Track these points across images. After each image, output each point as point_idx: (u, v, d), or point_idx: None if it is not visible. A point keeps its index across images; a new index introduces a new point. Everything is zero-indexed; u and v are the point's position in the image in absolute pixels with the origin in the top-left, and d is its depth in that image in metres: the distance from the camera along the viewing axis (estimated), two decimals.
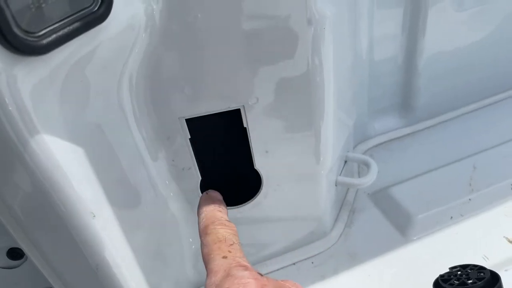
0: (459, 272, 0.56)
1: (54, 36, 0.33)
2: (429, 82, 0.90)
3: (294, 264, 0.72)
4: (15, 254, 0.56)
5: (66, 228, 0.42)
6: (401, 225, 0.74)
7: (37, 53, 0.33)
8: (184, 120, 0.54)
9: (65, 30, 0.34)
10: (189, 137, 0.56)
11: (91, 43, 0.39)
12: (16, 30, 0.31)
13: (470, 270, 0.55)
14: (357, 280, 0.68)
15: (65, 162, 0.40)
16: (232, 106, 0.54)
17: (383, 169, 0.83)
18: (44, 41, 0.33)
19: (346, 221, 0.77)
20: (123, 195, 0.50)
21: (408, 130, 0.93)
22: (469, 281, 0.53)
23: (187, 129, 0.55)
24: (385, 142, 0.92)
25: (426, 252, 0.70)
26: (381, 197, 0.80)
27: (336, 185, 0.72)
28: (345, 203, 0.79)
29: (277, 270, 0.71)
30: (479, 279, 0.52)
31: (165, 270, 0.61)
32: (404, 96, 0.93)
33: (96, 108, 0.44)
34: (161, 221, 0.60)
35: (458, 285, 0.53)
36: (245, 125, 0.56)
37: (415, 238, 0.72)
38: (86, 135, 0.43)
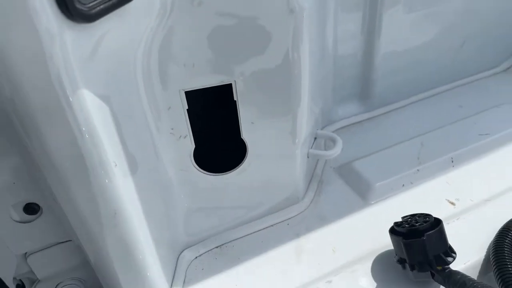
0: (409, 219, 0.68)
1: (99, 8, 0.42)
2: (384, 75, 1.04)
3: (272, 226, 0.82)
4: (31, 209, 0.62)
5: (95, 172, 0.50)
6: (362, 192, 0.86)
7: (87, 20, 0.41)
8: (184, 92, 0.63)
9: (107, 4, 0.43)
10: (187, 107, 0.65)
11: (120, 19, 0.48)
12: (75, 2, 0.39)
13: (418, 217, 0.68)
14: (325, 236, 0.79)
15: (95, 116, 0.48)
16: (225, 81, 0.64)
17: (346, 148, 0.95)
18: (93, 11, 0.41)
19: (316, 190, 0.88)
20: (134, 153, 0.58)
21: (367, 115, 1.07)
22: (417, 224, 0.65)
23: (185, 100, 0.64)
24: (347, 125, 1.05)
25: (382, 213, 0.82)
26: (345, 170, 0.92)
27: (308, 157, 0.83)
28: (315, 175, 0.91)
29: (258, 231, 0.81)
30: (425, 222, 0.65)
31: (163, 226, 0.69)
32: (363, 87, 1.07)
33: (118, 75, 0.52)
34: (160, 183, 0.68)
35: (408, 227, 0.65)
36: (235, 98, 0.66)
37: (373, 202, 0.85)
38: (110, 97, 0.51)
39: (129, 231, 0.58)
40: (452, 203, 0.83)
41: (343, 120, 1.06)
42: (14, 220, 0.60)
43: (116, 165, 0.52)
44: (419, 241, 0.62)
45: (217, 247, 0.79)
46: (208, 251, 0.79)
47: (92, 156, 0.49)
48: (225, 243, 0.80)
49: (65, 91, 0.44)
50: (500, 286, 0.61)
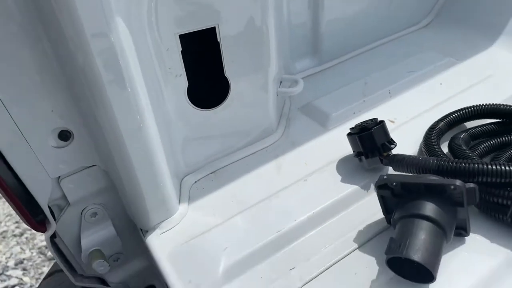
0: (360, 123, 0.89)
1: None
2: (329, 36, 1.26)
3: (254, 153, 1.00)
4: (64, 135, 0.75)
5: (125, 89, 0.65)
6: (322, 122, 1.07)
7: None
8: (178, 36, 0.79)
9: None
10: (181, 49, 0.81)
11: None
12: None
13: (366, 121, 0.89)
14: (298, 155, 0.98)
15: (124, 41, 0.64)
16: (210, 25, 0.81)
17: (305, 93, 1.15)
18: None
19: (286, 125, 1.07)
20: (146, 86, 0.73)
21: (319, 68, 1.28)
22: (366, 124, 0.86)
23: (179, 42, 0.80)
24: (304, 77, 1.25)
25: (340, 134, 1.02)
26: (307, 108, 1.12)
27: (277, 95, 1.02)
28: (283, 114, 1.10)
29: (243, 158, 0.99)
30: (372, 122, 0.86)
31: (169, 156, 0.84)
32: (314, 46, 1.28)
33: (132, 16, 0.68)
34: (163, 118, 0.83)
35: (360, 127, 0.86)
36: (218, 40, 0.83)
37: (331, 128, 1.05)
38: (130, 32, 0.66)
39: (150, 150, 0.74)
40: (392, 121, 1.05)
41: (300, 73, 1.26)
42: (51, 146, 0.74)
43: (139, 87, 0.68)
44: (369, 133, 0.83)
45: (212, 172, 0.96)
46: (205, 176, 0.95)
47: (122, 71, 0.64)
48: (218, 169, 0.96)
49: (107, 15, 0.59)
50: None
